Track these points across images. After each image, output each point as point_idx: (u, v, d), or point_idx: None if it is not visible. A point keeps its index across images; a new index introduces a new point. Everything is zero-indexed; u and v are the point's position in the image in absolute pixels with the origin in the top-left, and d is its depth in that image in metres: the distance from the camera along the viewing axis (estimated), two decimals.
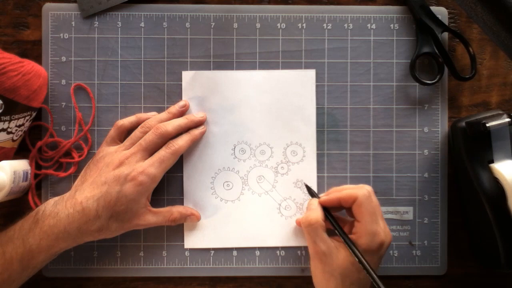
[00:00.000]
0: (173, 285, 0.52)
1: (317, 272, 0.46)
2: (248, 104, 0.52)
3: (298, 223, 0.50)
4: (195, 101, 0.52)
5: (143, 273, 0.52)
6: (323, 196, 0.48)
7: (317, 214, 0.46)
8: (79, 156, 0.51)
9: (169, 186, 0.52)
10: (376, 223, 0.45)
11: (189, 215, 0.50)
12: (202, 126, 0.51)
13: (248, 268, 0.52)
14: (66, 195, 0.47)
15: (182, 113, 0.51)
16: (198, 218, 0.51)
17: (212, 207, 0.52)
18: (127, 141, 0.49)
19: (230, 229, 0.52)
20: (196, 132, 0.51)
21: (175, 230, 0.52)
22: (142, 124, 0.49)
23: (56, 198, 0.47)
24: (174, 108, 0.51)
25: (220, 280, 0.52)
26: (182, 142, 0.49)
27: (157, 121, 0.49)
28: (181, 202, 0.52)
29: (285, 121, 0.52)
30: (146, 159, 0.48)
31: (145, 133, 0.49)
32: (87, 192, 0.46)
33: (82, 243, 0.47)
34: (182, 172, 0.52)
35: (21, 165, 0.48)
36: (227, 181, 0.52)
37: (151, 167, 0.47)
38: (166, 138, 0.49)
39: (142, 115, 0.51)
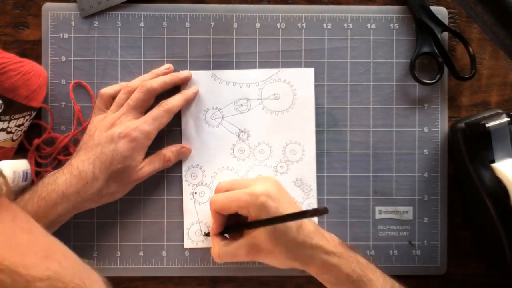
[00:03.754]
0: (173, 285, 0.52)
1: (267, 261, 0.46)
2: (247, 104, 0.52)
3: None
4: (193, 100, 0.52)
5: (143, 273, 0.52)
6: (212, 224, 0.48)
7: (216, 249, 0.47)
8: None
9: (168, 185, 0.52)
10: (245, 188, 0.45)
11: (179, 149, 0.51)
12: (195, 86, 0.51)
13: (248, 268, 0.52)
14: (64, 165, 0.47)
15: (165, 74, 0.51)
16: (189, 150, 0.51)
17: None
18: (113, 106, 0.49)
19: None
20: (189, 92, 0.51)
21: (175, 230, 0.52)
22: (124, 87, 0.49)
23: (55, 170, 0.48)
24: (159, 69, 0.51)
25: (220, 280, 0.52)
26: (175, 101, 0.49)
27: (141, 81, 0.49)
28: (180, 201, 0.52)
29: (284, 120, 0.52)
30: (137, 118, 0.48)
31: (129, 94, 0.48)
32: (82, 156, 0.46)
33: (83, 210, 0.47)
34: (181, 171, 0.52)
35: (21, 165, 0.48)
36: None
37: (144, 124, 0.47)
38: (153, 95, 0.49)
39: (125, 82, 0.51)
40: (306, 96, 0.52)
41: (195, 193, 0.52)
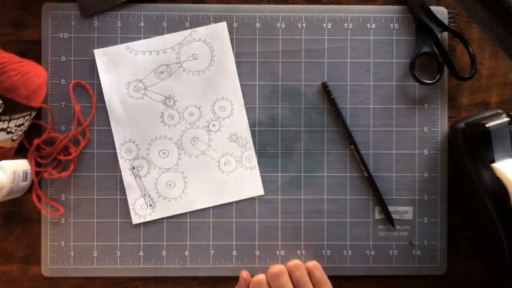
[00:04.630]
0: (173, 285, 0.52)
1: None
2: (167, 70, 0.52)
3: None
4: (113, 78, 0.51)
5: (143, 273, 0.52)
6: None
7: None
8: (76, 150, 0.51)
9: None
10: None
11: None
12: None
13: (248, 268, 0.52)
14: None
15: None
16: None
17: (153, 178, 0.52)
18: None
19: (175, 196, 0.52)
20: None
21: (175, 230, 0.52)
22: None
23: None
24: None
25: (220, 280, 0.52)
26: None
27: None
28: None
29: (207, 78, 0.52)
30: None
31: None
32: None
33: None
34: (115, 148, 0.52)
35: (21, 165, 0.48)
36: (162, 150, 0.52)
37: None
38: None
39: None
40: (224, 51, 0.52)
41: (133, 167, 0.52)
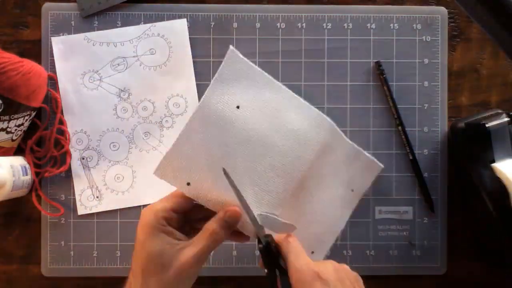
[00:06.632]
0: None
1: None
2: (123, 62, 0.51)
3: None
4: (68, 66, 0.51)
5: None
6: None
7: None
8: (67, 142, 0.51)
9: None
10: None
11: (223, 216, 0.39)
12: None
13: (248, 268, 0.52)
14: None
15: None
16: (236, 211, 0.39)
17: (101, 170, 0.51)
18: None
19: (123, 189, 0.51)
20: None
21: None
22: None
23: None
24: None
25: (220, 280, 0.52)
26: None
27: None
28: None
29: (163, 74, 0.51)
30: None
31: None
32: None
33: None
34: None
35: (17, 160, 0.48)
36: (113, 142, 0.51)
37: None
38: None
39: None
40: (181, 48, 0.52)
41: (83, 158, 0.51)
